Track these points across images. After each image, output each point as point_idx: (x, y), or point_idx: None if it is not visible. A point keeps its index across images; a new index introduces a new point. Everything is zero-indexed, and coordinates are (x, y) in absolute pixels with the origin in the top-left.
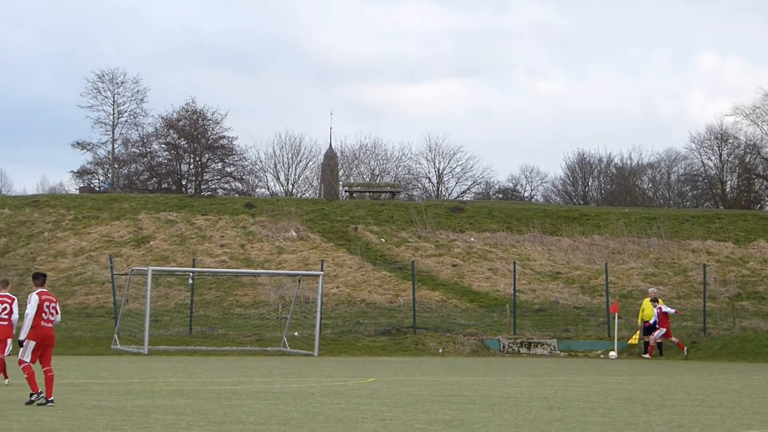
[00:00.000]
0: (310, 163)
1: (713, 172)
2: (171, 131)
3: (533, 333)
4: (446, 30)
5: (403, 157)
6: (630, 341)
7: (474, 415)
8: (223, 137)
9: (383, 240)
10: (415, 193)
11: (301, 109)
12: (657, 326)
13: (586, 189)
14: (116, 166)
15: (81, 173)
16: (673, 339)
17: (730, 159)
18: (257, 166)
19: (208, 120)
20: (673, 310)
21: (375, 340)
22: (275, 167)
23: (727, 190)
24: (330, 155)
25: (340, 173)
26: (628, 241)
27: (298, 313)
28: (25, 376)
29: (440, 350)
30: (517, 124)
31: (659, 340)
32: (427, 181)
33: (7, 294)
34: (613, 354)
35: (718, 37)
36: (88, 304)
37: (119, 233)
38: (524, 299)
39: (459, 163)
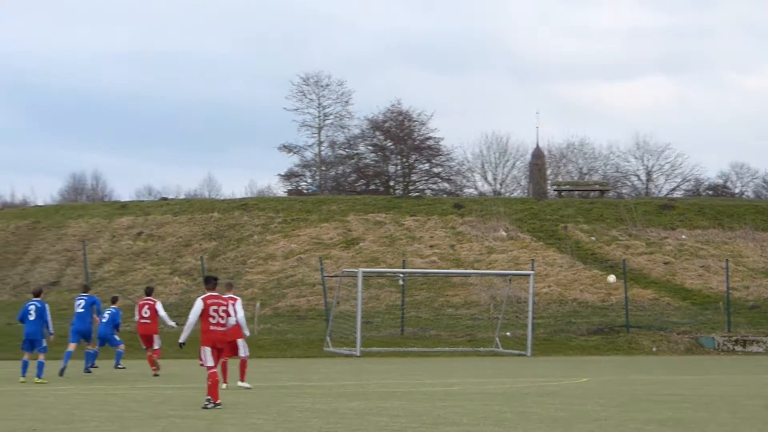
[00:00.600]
0: (518, 162)
1: None
2: (377, 133)
3: (748, 330)
4: (649, 27)
5: (611, 155)
6: None
7: (689, 414)
8: (430, 138)
9: (593, 238)
10: (624, 191)
11: (506, 109)
12: None
13: None
14: (323, 168)
15: (288, 176)
16: None
17: None
18: (464, 166)
19: (414, 121)
20: None
21: (588, 339)
22: (482, 167)
23: None
24: (537, 154)
25: (548, 172)
26: None
27: (510, 313)
28: (209, 383)
29: (654, 349)
30: (725, 120)
31: None
32: (635, 178)
33: (230, 296)
34: None
35: None
36: (299, 306)
37: (328, 235)
38: (738, 296)
39: (668, 161)
